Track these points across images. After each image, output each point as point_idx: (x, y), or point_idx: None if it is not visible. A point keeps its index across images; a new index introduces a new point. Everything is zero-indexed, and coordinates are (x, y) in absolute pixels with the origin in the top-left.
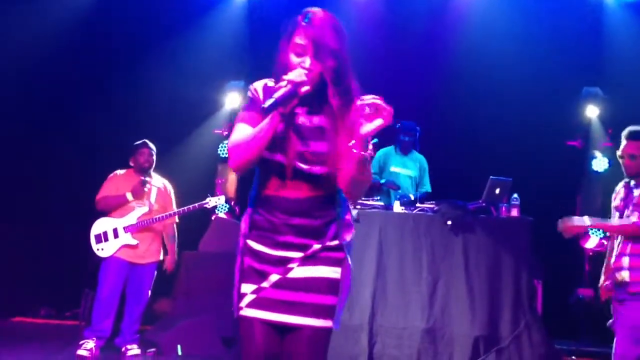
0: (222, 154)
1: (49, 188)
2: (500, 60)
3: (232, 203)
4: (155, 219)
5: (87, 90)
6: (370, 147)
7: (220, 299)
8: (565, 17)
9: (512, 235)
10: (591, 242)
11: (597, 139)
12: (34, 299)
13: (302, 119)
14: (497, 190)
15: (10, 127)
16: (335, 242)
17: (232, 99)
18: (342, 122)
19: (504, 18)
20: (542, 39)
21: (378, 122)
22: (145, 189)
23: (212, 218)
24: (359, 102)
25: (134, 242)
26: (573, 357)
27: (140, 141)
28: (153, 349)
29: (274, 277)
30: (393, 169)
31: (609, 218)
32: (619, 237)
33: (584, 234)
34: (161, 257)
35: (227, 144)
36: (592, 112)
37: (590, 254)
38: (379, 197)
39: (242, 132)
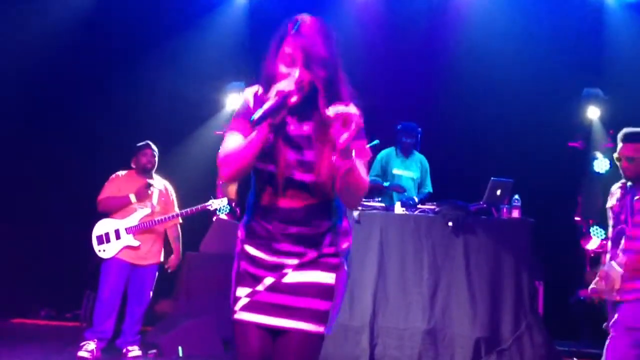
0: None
1: (49, 188)
2: (501, 60)
3: (233, 204)
4: (158, 220)
5: (88, 91)
6: (354, 154)
7: (221, 300)
8: (565, 17)
9: (513, 237)
10: (592, 244)
11: (598, 140)
12: (34, 300)
13: (292, 128)
14: (498, 192)
15: (10, 127)
16: (332, 249)
17: (232, 100)
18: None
19: (505, 18)
20: (543, 39)
21: (348, 133)
22: (149, 192)
23: (213, 219)
24: (331, 112)
25: (135, 243)
26: (574, 358)
27: (143, 142)
28: (154, 350)
29: (269, 281)
30: (395, 171)
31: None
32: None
33: (585, 234)
34: (162, 259)
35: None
36: (593, 113)
37: (592, 255)
38: (380, 199)
39: (233, 141)
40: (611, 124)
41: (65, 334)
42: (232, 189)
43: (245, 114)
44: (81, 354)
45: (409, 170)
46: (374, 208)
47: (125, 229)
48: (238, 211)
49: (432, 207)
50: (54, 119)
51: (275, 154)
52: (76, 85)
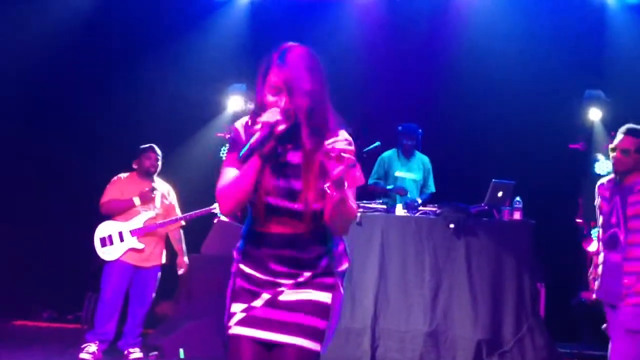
0: (225, 156)
1: (50, 188)
2: (502, 61)
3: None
4: (161, 223)
5: (88, 91)
6: (346, 185)
7: (222, 302)
8: (567, 19)
9: (515, 238)
10: (594, 246)
11: (600, 142)
12: (36, 302)
13: (281, 157)
14: (500, 193)
15: (10, 127)
16: (328, 270)
17: (234, 102)
18: (316, 159)
19: (506, 20)
20: (544, 40)
21: (342, 166)
22: (153, 196)
23: (214, 221)
24: (327, 144)
25: (140, 246)
26: None
27: (147, 145)
28: (155, 352)
29: (265, 296)
30: (397, 173)
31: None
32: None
33: (586, 236)
34: (164, 261)
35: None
36: (594, 115)
37: (593, 257)
38: (381, 200)
39: (228, 176)
40: (612, 126)
41: (66, 335)
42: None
43: (236, 147)
44: (82, 356)
45: (411, 172)
46: (375, 210)
47: (130, 232)
48: (239, 213)
49: (434, 209)
50: (54, 119)
51: (265, 182)
52: (76, 85)
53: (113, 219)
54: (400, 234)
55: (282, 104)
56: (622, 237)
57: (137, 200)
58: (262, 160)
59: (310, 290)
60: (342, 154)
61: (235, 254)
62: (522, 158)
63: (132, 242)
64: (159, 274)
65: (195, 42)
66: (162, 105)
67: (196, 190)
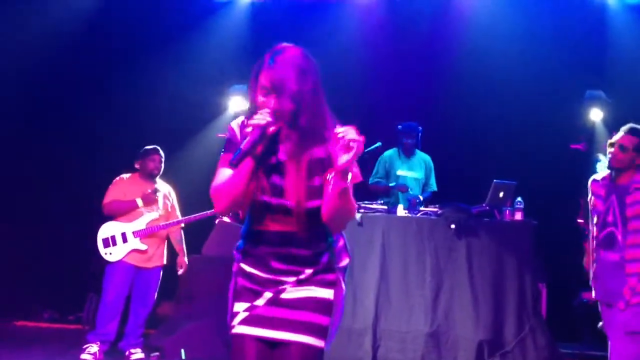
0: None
1: (51, 189)
2: (503, 62)
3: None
4: (164, 225)
5: (89, 92)
6: (350, 176)
7: (223, 303)
8: (568, 19)
9: (516, 239)
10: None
11: (601, 143)
12: (37, 302)
13: (275, 156)
14: (501, 194)
15: (10, 127)
16: (329, 267)
17: (235, 103)
18: (303, 158)
19: (507, 20)
20: (545, 40)
21: (350, 155)
22: (156, 197)
23: (216, 222)
24: (338, 133)
25: (143, 247)
26: None
27: (151, 147)
28: (157, 353)
29: (268, 295)
30: (399, 172)
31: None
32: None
33: (587, 237)
34: (165, 262)
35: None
36: (595, 115)
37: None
38: (382, 201)
39: (223, 176)
40: (614, 126)
41: (67, 336)
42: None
43: (232, 146)
44: (84, 356)
45: (413, 171)
46: (376, 210)
47: (133, 233)
48: (240, 214)
49: (435, 209)
50: (54, 119)
51: (260, 181)
52: (77, 85)
53: (116, 220)
54: (402, 234)
55: (272, 105)
56: (619, 237)
57: (139, 202)
58: (255, 161)
59: (312, 287)
60: (351, 144)
61: (235, 253)
62: (523, 158)
63: (135, 243)
64: (161, 274)
65: (196, 43)
66: (162, 106)
67: (197, 191)
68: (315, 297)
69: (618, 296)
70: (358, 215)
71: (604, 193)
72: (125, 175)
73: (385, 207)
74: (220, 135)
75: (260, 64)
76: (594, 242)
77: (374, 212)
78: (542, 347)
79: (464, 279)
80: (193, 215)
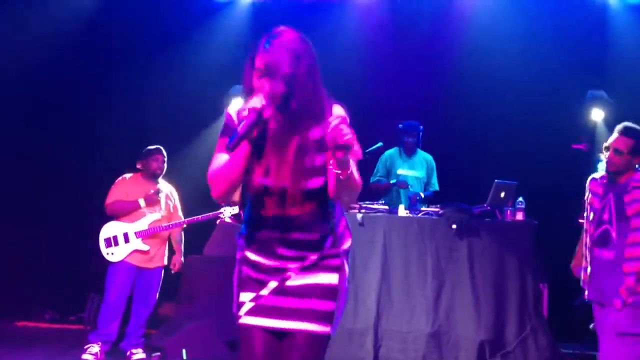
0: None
1: (52, 189)
2: (505, 62)
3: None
4: (167, 226)
5: (89, 92)
6: (351, 163)
7: (224, 303)
8: (569, 19)
9: (517, 239)
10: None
11: (602, 143)
12: (38, 303)
13: (271, 139)
14: (502, 194)
15: (10, 127)
16: (333, 250)
17: (236, 103)
18: (291, 141)
19: (508, 20)
20: (547, 41)
21: (345, 149)
22: (159, 198)
23: (217, 222)
24: (333, 122)
25: (145, 247)
26: None
27: (154, 147)
28: (158, 353)
29: (273, 284)
30: (400, 171)
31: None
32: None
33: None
34: (166, 262)
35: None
36: (597, 115)
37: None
38: (383, 201)
39: (219, 161)
40: (615, 126)
41: (68, 336)
42: (236, 191)
43: (229, 132)
44: (85, 356)
45: (414, 170)
46: (378, 210)
47: (135, 233)
48: (242, 214)
49: (436, 209)
50: (54, 119)
51: (258, 164)
52: (77, 85)
53: (118, 220)
54: (403, 234)
55: (266, 88)
56: (614, 235)
57: (142, 202)
58: (251, 145)
59: (318, 273)
60: (343, 141)
61: (239, 240)
62: (524, 158)
63: (137, 243)
64: (162, 275)
65: (196, 43)
66: (163, 106)
67: (198, 191)
68: (321, 284)
69: (612, 295)
70: (359, 216)
71: (601, 191)
72: (128, 175)
73: (387, 207)
74: None
75: (255, 47)
76: (590, 240)
77: (375, 212)
78: (543, 347)
79: (465, 279)
80: (195, 217)
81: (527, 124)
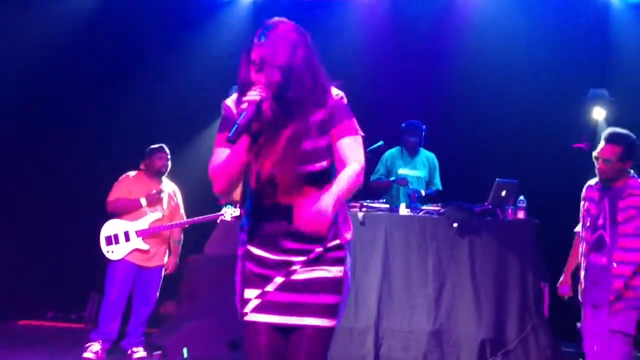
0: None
1: (54, 188)
2: (506, 61)
3: (238, 206)
4: (168, 225)
5: (90, 92)
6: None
7: (225, 302)
8: (571, 18)
9: (519, 238)
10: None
11: None
12: (40, 301)
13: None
14: (504, 193)
15: (10, 127)
16: (337, 242)
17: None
18: (286, 129)
19: (509, 18)
20: (548, 39)
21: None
22: (160, 197)
23: (218, 221)
24: (315, 209)
25: (145, 247)
26: None
27: (157, 145)
28: (159, 352)
29: (279, 280)
30: (401, 171)
31: None
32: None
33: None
34: (166, 261)
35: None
36: (598, 114)
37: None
38: (384, 199)
39: (220, 156)
40: (617, 125)
41: (70, 335)
42: (237, 190)
43: (228, 124)
44: (86, 355)
45: (415, 170)
46: (379, 209)
47: (136, 232)
48: (242, 212)
49: (437, 208)
50: (54, 119)
51: (264, 153)
52: (78, 86)
53: (119, 218)
54: (404, 233)
55: (263, 79)
56: (607, 240)
57: (143, 202)
58: (251, 137)
59: (323, 267)
60: (316, 234)
61: (240, 235)
62: (525, 157)
63: (138, 242)
64: (163, 273)
65: (197, 42)
66: (164, 105)
67: (199, 190)
68: (327, 278)
69: (605, 299)
70: (360, 215)
71: (597, 197)
72: (132, 173)
73: (388, 206)
74: None
75: (251, 40)
76: (586, 245)
77: (376, 211)
78: (544, 346)
79: (466, 277)
80: (196, 218)
81: (528, 122)
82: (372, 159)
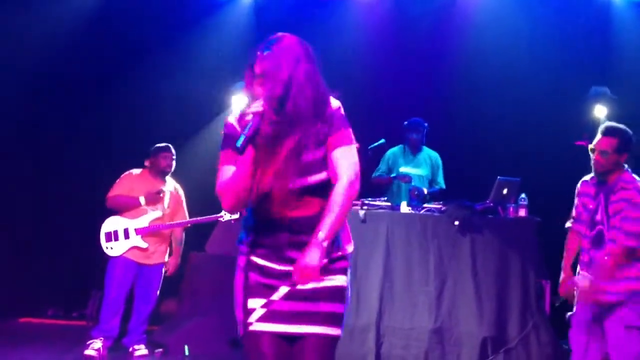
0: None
1: (55, 186)
2: (508, 59)
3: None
4: (169, 225)
5: (90, 92)
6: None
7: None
8: (572, 15)
9: (520, 236)
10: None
11: None
12: (41, 299)
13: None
14: (505, 191)
15: (10, 127)
16: (339, 253)
17: (238, 99)
18: (286, 141)
19: (511, 17)
20: (550, 37)
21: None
22: (160, 195)
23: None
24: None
25: (144, 245)
26: None
27: (164, 144)
28: (160, 349)
29: (284, 290)
30: (403, 169)
31: None
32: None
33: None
34: (166, 259)
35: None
36: (600, 111)
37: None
38: (386, 197)
39: (226, 173)
40: (618, 123)
41: (71, 333)
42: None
43: (232, 142)
44: (88, 352)
45: (417, 168)
46: (380, 207)
47: (135, 230)
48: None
49: (439, 206)
50: (54, 118)
51: (265, 166)
52: (77, 85)
53: (120, 215)
54: (405, 231)
55: (264, 92)
56: (606, 235)
57: (142, 200)
58: (256, 149)
59: (328, 276)
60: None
61: (241, 246)
62: (527, 155)
63: (136, 240)
64: (163, 271)
65: (198, 39)
66: (165, 103)
67: (200, 188)
68: (332, 287)
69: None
70: (362, 212)
71: (593, 192)
72: (136, 171)
73: (389, 203)
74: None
75: (254, 54)
76: (586, 241)
77: (377, 209)
78: (545, 344)
79: (467, 275)
80: (196, 219)
81: (529, 120)
82: (373, 157)
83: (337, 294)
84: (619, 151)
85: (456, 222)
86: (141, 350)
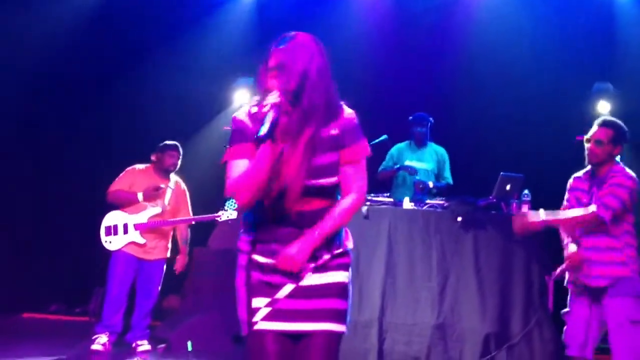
0: (228, 151)
1: (58, 182)
2: (511, 55)
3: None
4: (169, 221)
5: (90, 92)
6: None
7: (229, 297)
8: (575, 12)
9: None
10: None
11: None
12: (44, 295)
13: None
14: (508, 187)
15: (10, 127)
16: (341, 250)
17: (241, 96)
18: (300, 137)
19: (514, 13)
20: (553, 34)
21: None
22: (159, 192)
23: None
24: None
25: (141, 240)
26: None
27: (172, 142)
28: (163, 345)
29: (289, 287)
30: (408, 163)
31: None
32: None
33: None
34: (168, 255)
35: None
36: (603, 108)
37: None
38: (389, 194)
39: (241, 168)
40: (621, 119)
41: (74, 328)
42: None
43: (243, 136)
44: (94, 347)
45: (423, 162)
46: (383, 203)
47: (134, 225)
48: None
49: (441, 202)
50: (54, 118)
51: (286, 162)
52: (77, 85)
53: (122, 210)
54: (408, 227)
55: (278, 84)
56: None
57: (140, 196)
58: (274, 142)
59: (330, 273)
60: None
61: (242, 245)
62: (530, 151)
63: (135, 235)
64: (164, 267)
65: (200, 36)
66: (168, 100)
67: (202, 184)
68: (335, 283)
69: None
70: (364, 208)
71: (587, 186)
72: (140, 166)
73: (392, 199)
74: (226, 128)
75: (269, 49)
76: (578, 232)
77: (380, 205)
78: (548, 340)
79: (470, 271)
80: (193, 217)
81: (533, 116)
82: (375, 152)
83: (340, 290)
84: (614, 142)
85: (459, 218)
86: (144, 345)
